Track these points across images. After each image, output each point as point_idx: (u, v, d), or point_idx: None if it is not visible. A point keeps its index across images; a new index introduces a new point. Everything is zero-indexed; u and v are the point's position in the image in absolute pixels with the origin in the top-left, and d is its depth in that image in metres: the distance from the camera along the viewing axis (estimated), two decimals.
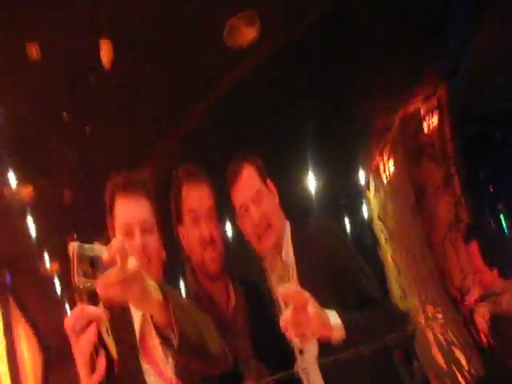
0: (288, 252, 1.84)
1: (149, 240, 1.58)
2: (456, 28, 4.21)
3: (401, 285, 4.51)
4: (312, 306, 1.40)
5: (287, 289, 1.37)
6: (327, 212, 4.58)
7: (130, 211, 1.60)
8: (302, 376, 1.79)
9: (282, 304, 1.36)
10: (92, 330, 1.24)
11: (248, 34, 2.86)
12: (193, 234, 1.85)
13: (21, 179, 3.04)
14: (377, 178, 4.39)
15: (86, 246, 1.16)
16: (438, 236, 4.38)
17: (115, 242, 1.25)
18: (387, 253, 4.37)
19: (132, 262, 1.25)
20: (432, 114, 4.52)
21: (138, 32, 2.93)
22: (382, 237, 4.31)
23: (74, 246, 1.15)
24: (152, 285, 1.33)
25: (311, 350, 1.77)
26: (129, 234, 1.59)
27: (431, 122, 4.56)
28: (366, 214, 4.41)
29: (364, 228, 4.37)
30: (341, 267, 1.75)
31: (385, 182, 4.40)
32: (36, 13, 2.65)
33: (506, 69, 4.97)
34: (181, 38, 3.00)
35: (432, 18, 3.88)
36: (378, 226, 4.38)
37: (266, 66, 3.06)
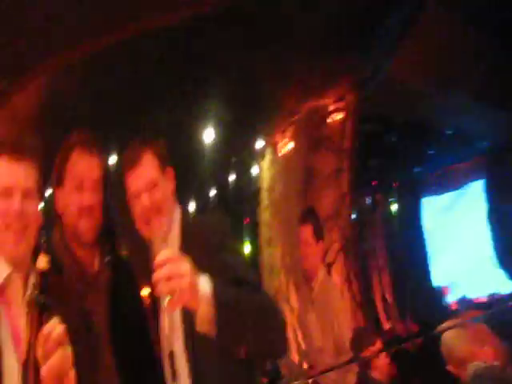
0: (174, 237, 1.79)
1: (28, 207, 1.48)
2: (379, 47, 4.51)
3: (270, 254, 4.96)
4: (186, 264, 1.37)
5: (162, 255, 1.36)
6: (219, 172, 4.90)
7: (13, 176, 1.48)
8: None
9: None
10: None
11: None
12: (72, 200, 1.76)
13: None
14: (273, 153, 4.78)
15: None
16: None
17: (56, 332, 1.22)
18: (265, 216, 4.81)
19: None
20: (338, 112, 4.89)
21: None
22: (265, 202, 4.73)
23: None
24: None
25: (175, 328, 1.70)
26: (6, 196, 1.47)
27: (335, 118, 4.93)
28: (255, 182, 4.80)
29: (249, 193, 4.74)
30: (222, 263, 1.66)
31: (280, 159, 4.80)
32: None
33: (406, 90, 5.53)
34: None
35: (361, 35, 4.18)
36: (264, 194, 4.80)
37: (183, 36, 3.21)
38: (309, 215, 4.55)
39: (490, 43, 5.47)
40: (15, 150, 1.50)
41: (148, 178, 1.74)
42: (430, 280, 6.33)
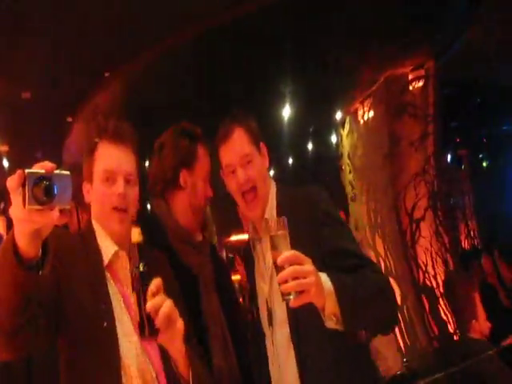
0: (271, 211, 1.78)
1: (130, 191, 1.53)
2: (452, 17, 4.63)
3: (354, 212, 5.33)
4: (310, 264, 1.40)
5: (285, 255, 1.37)
6: (300, 141, 5.30)
7: (116, 159, 1.53)
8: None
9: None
10: None
11: None
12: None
13: None
14: (353, 122, 5.19)
15: (40, 172, 1.08)
16: (403, 180, 5.09)
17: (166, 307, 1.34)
18: (348, 178, 5.27)
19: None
20: (418, 80, 5.14)
21: None
22: (347, 168, 5.16)
23: (24, 173, 1.05)
24: None
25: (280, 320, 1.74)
26: (110, 180, 1.51)
27: (416, 86, 5.18)
28: (336, 148, 5.16)
29: (332, 158, 5.10)
30: (326, 232, 1.67)
31: (361, 127, 5.18)
32: None
33: (488, 53, 5.60)
34: None
35: (436, 7, 4.27)
36: (345, 159, 5.22)
37: (251, 18, 3.45)
38: None
39: None
40: (115, 135, 1.55)
41: (242, 153, 1.75)
42: None
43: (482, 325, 3.45)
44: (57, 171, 1.12)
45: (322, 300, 1.46)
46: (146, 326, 1.35)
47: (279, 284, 1.39)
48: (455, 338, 4.49)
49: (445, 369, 3.28)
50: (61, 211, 1.13)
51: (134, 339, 1.49)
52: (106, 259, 1.54)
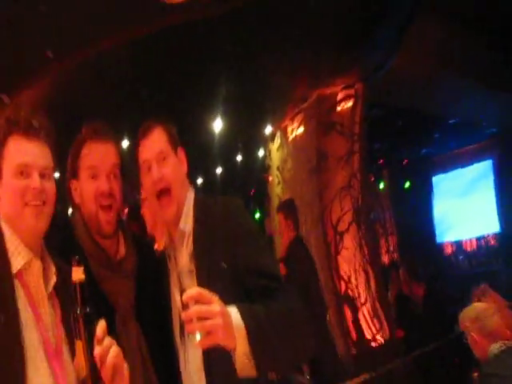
0: (187, 220, 1.71)
1: (46, 185, 1.42)
2: (384, 40, 4.92)
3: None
4: (216, 303, 1.31)
5: (190, 293, 1.29)
6: (228, 155, 5.35)
7: (29, 153, 1.42)
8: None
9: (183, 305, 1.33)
10: None
11: None
12: (89, 188, 1.71)
13: None
14: (283, 137, 5.31)
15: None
16: (330, 195, 5.26)
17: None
18: (276, 191, 5.38)
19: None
20: (347, 99, 5.39)
21: None
22: (276, 179, 5.28)
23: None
24: None
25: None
26: (24, 174, 1.40)
27: (345, 105, 5.43)
28: (263, 159, 5.26)
29: (260, 170, 5.20)
30: (242, 247, 1.61)
31: (290, 142, 5.27)
32: None
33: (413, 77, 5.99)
34: None
35: (367, 31, 4.54)
36: (274, 172, 5.34)
37: (193, 29, 3.46)
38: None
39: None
40: (28, 129, 1.44)
41: (157, 148, 1.73)
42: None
43: None
44: None
45: (231, 342, 1.37)
46: (92, 377, 1.23)
47: (184, 322, 1.32)
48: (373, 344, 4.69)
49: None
50: None
51: (44, 365, 1.33)
52: (15, 266, 1.37)
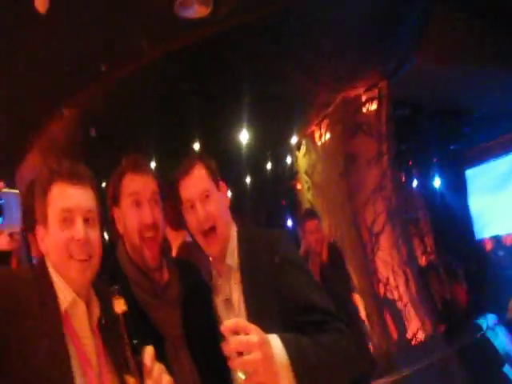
0: (233, 255, 1.71)
1: (91, 234, 1.38)
2: (405, 38, 4.84)
3: None
4: (254, 334, 1.27)
5: (227, 324, 1.25)
6: (256, 167, 5.36)
7: (72, 197, 1.40)
8: None
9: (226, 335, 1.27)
10: None
11: (200, 10, 3.14)
12: (132, 217, 1.70)
13: None
14: (310, 143, 5.31)
15: None
16: (362, 197, 5.17)
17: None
18: (307, 196, 5.36)
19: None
20: (372, 101, 5.33)
21: None
22: (305, 185, 5.26)
23: None
24: None
25: None
26: (67, 221, 1.37)
27: (370, 106, 5.37)
28: (290, 167, 5.27)
29: (286, 176, 5.18)
30: (287, 281, 1.57)
31: (319, 146, 5.27)
32: None
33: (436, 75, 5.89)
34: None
35: (386, 31, 4.44)
36: (303, 176, 5.32)
37: (215, 43, 3.47)
38: None
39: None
40: (71, 176, 1.44)
41: (200, 188, 1.72)
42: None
43: None
44: (5, 189, 1.01)
45: (273, 378, 1.31)
46: None
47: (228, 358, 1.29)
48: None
49: None
50: (10, 235, 0.97)
51: None
52: (62, 306, 1.37)
